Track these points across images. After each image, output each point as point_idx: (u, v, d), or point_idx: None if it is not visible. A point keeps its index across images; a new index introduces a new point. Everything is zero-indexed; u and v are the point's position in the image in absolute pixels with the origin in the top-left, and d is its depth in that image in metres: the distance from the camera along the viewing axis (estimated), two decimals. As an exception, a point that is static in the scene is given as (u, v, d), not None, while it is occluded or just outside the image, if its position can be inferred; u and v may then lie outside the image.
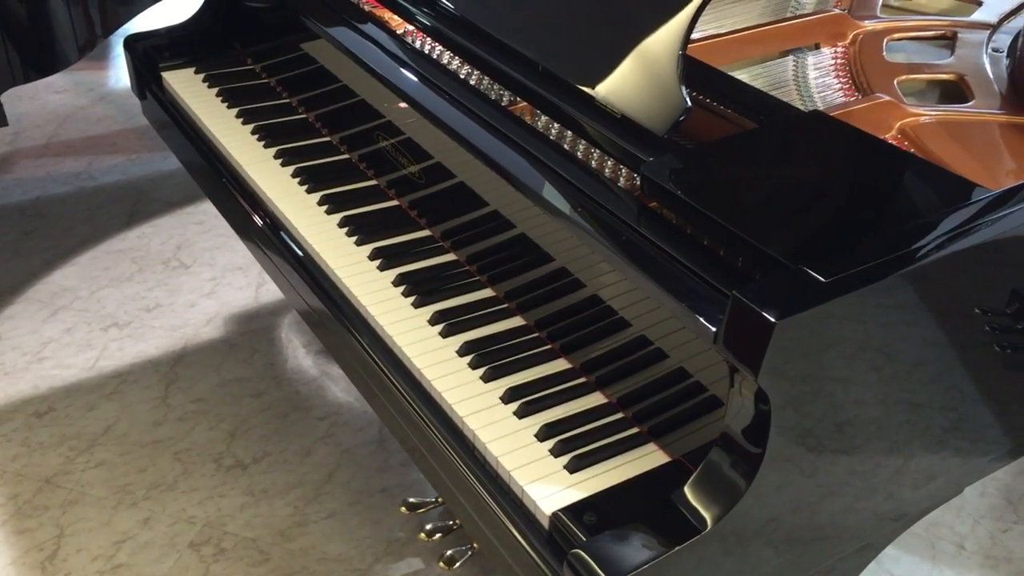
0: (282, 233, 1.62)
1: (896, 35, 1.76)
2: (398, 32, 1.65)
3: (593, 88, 1.32)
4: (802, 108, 1.57)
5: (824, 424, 1.04)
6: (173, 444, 2.24)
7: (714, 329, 1.00)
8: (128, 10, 2.43)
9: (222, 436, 2.27)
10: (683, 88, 1.24)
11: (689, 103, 1.23)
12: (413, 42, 1.61)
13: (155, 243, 2.92)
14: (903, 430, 1.14)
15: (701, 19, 1.80)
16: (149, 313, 2.64)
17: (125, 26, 2.55)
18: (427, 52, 1.58)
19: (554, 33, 1.42)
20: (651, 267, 1.10)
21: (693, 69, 1.48)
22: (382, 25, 1.67)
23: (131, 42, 2.04)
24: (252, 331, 2.57)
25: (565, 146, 1.32)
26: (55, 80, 3.73)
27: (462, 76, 1.50)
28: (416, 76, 1.52)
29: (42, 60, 2.12)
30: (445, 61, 1.55)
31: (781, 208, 1.13)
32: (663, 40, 1.27)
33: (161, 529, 2.05)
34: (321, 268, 1.52)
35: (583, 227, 1.21)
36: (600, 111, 1.31)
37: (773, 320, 0.92)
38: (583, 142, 1.32)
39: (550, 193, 1.26)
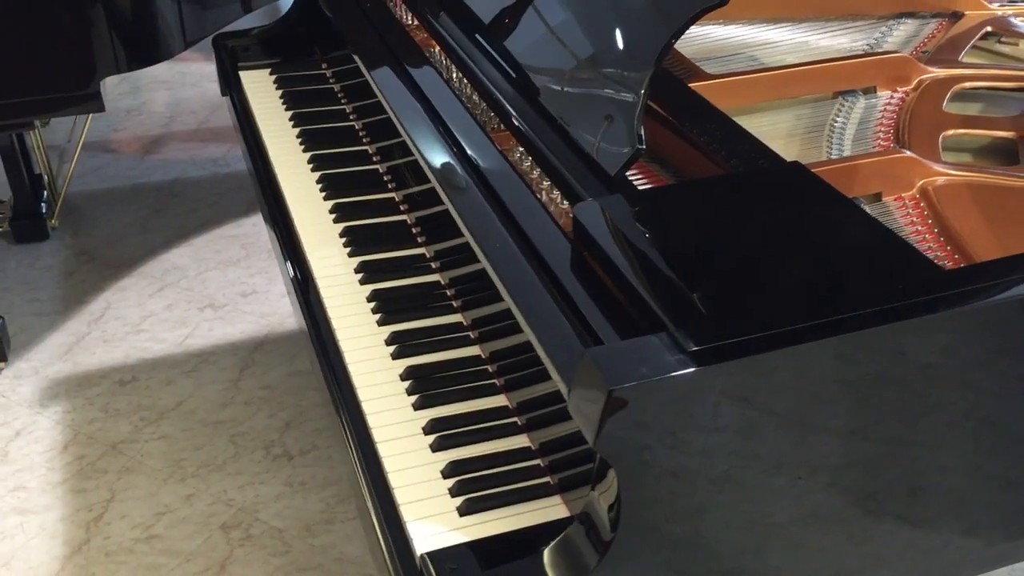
0: (289, 225, 1.67)
1: (967, 84, 1.60)
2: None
3: (565, 120, 1.28)
4: (827, 156, 1.47)
5: (691, 510, 0.96)
6: (232, 427, 2.33)
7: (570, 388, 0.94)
8: (245, 6, 2.53)
9: (278, 424, 2.34)
10: (640, 128, 1.16)
11: (642, 145, 1.16)
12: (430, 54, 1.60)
13: (266, 231, 3.03)
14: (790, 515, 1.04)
15: (778, 45, 1.74)
16: (244, 298, 2.75)
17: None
18: (437, 65, 1.57)
19: (545, 60, 1.38)
20: (536, 306, 1.04)
21: (700, 108, 1.41)
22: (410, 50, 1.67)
23: (219, 40, 2.12)
24: (331, 326, 2.63)
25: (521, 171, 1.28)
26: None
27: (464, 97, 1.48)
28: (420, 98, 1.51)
29: (145, 51, 2.25)
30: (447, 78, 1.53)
31: (701, 266, 1.05)
32: (631, 80, 1.21)
33: (200, 507, 2.13)
34: (306, 267, 1.53)
35: (491, 256, 1.16)
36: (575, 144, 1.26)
37: (607, 387, 0.86)
38: (538, 171, 1.28)
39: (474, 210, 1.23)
